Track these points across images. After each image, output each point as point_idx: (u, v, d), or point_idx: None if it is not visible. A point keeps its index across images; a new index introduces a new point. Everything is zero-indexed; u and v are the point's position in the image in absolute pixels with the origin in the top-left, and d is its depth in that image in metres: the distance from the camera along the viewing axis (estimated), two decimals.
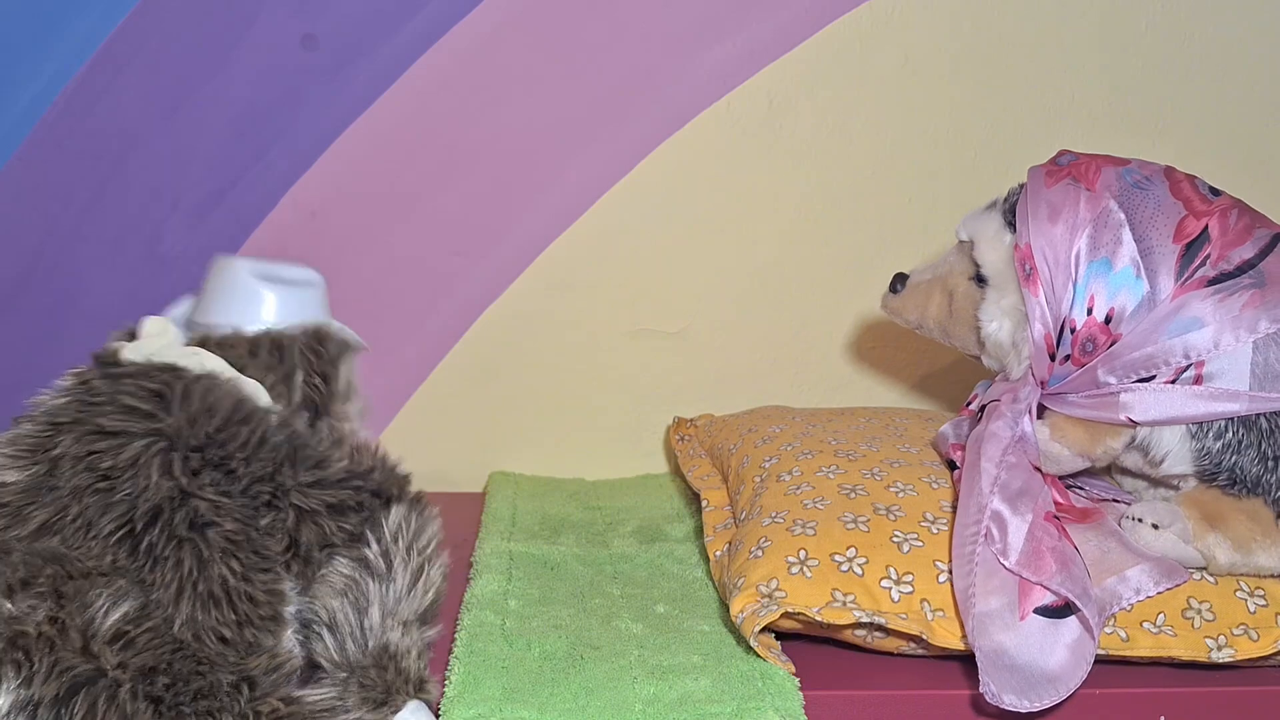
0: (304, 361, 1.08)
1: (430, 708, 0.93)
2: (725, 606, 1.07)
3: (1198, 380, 1.04)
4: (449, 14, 1.46)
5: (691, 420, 1.50)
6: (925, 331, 1.19)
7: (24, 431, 0.99)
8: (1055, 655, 0.98)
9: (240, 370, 1.04)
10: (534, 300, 1.53)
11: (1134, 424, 1.06)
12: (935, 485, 1.11)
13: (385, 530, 0.98)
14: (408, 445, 1.54)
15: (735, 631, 1.05)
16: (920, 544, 1.04)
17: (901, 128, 1.52)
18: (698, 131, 1.50)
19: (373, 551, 0.97)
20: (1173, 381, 1.04)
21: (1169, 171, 1.11)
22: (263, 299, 1.10)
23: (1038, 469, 1.08)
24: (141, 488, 0.94)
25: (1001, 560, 1.01)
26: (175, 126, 1.46)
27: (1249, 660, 1.02)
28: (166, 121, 1.46)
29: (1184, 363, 1.04)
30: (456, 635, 1.04)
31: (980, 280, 1.12)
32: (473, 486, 1.55)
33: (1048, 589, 0.99)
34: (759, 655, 1.00)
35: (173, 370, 1.02)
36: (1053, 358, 1.08)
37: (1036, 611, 0.99)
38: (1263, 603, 1.03)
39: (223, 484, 0.96)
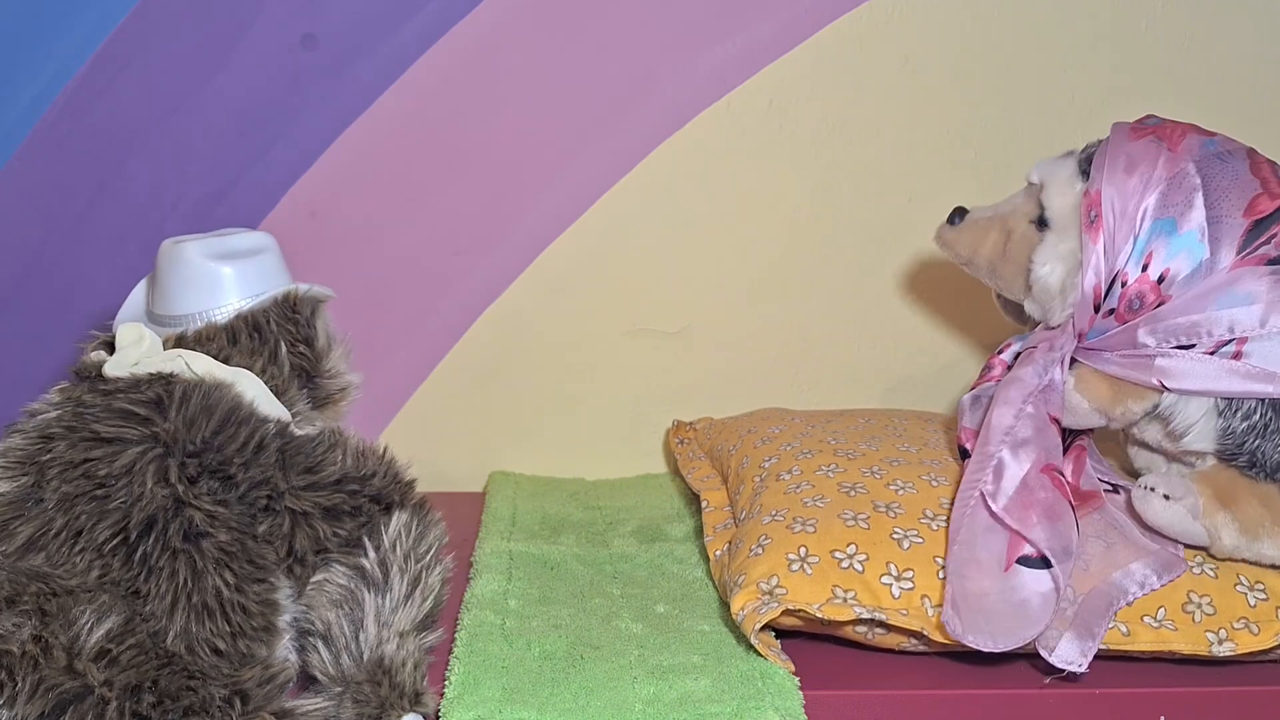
0: (284, 333, 1.08)
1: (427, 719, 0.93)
2: (725, 606, 1.07)
3: (1236, 356, 1.03)
4: (449, 14, 1.46)
5: (690, 423, 1.50)
6: (973, 269, 1.17)
7: (13, 444, 0.99)
8: (1026, 600, 0.98)
9: (225, 361, 1.04)
10: (534, 300, 1.53)
11: (1164, 389, 1.05)
12: (935, 483, 1.11)
13: (384, 538, 0.98)
14: (408, 445, 1.54)
15: (735, 631, 1.05)
16: (920, 540, 1.04)
17: (901, 128, 1.52)
18: (698, 131, 1.50)
19: (370, 560, 0.97)
20: (1211, 353, 1.03)
21: (1251, 152, 1.10)
22: (222, 278, 1.08)
23: (1056, 422, 1.07)
24: (136, 495, 0.93)
25: (990, 504, 1.01)
26: (175, 126, 1.46)
27: (1250, 654, 1.02)
28: (166, 121, 1.46)
29: (1227, 336, 1.03)
30: (456, 635, 1.04)
31: (1042, 224, 1.11)
32: (473, 486, 1.55)
33: (1026, 540, 0.99)
34: (759, 654, 1.00)
35: (164, 379, 1.01)
36: (1097, 309, 1.07)
37: (1019, 561, 1.00)
38: (1263, 596, 1.03)
39: (220, 492, 0.96)
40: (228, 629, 0.91)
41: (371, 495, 1.00)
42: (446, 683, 0.96)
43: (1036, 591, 0.98)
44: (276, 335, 1.08)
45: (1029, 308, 1.14)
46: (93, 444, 0.96)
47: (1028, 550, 1.00)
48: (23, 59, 1.43)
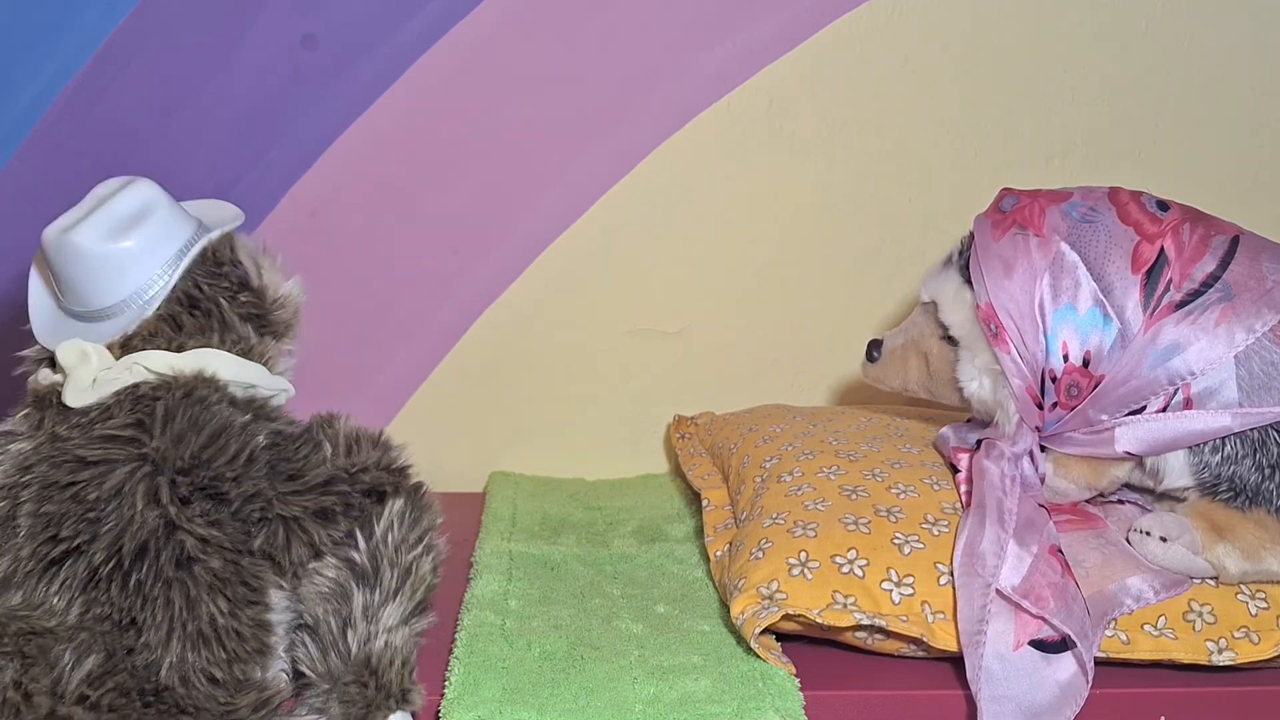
0: (219, 291, 1.02)
1: (415, 717, 0.92)
2: (726, 607, 1.07)
3: (1188, 404, 1.04)
4: (449, 14, 1.46)
5: (692, 419, 1.50)
6: (911, 394, 1.18)
7: None
8: (1045, 691, 0.97)
9: (180, 349, 0.99)
10: (534, 300, 1.53)
11: (1132, 456, 1.06)
12: (936, 487, 1.11)
13: (376, 529, 0.96)
14: (408, 445, 1.55)
15: (736, 632, 1.05)
16: (921, 546, 1.04)
17: (901, 128, 1.52)
18: (698, 131, 1.50)
19: (360, 552, 0.95)
20: (1164, 409, 1.04)
21: (1113, 195, 1.09)
22: (129, 257, 0.98)
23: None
24: (128, 519, 0.90)
25: (1000, 589, 1.00)
26: (175, 126, 1.46)
27: (1250, 663, 1.02)
28: (166, 121, 1.46)
29: (1170, 389, 1.03)
30: (457, 635, 1.04)
31: (950, 340, 1.11)
32: (473, 486, 1.55)
33: (1047, 622, 0.98)
34: (760, 657, 1.00)
35: (135, 397, 0.96)
36: (1040, 406, 1.07)
37: (1031, 644, 0.98)
38: (1264, 605, 1.03)
39: (213, 512, 0.93)
40: (224, 655, 0.90)
41: (363, 489, 0.97)
42: (446, 683, 0.96)
43: (1054, 681, 0.98)
44: (213, 297, 1.01)
45: (974, 412, 1.15)
46: (78, 467, 0.93)
47: (1044, 634, 0.99)
48: (23, 59, 1.43)
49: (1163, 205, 1.09)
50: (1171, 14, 1.51)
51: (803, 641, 1.07)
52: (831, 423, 1.29)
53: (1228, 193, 1.56)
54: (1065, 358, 1.05)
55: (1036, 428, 1.09)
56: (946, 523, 1.06)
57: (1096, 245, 1.05)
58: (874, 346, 1.19)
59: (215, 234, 1.03)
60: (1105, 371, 1.04)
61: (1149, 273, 1.04)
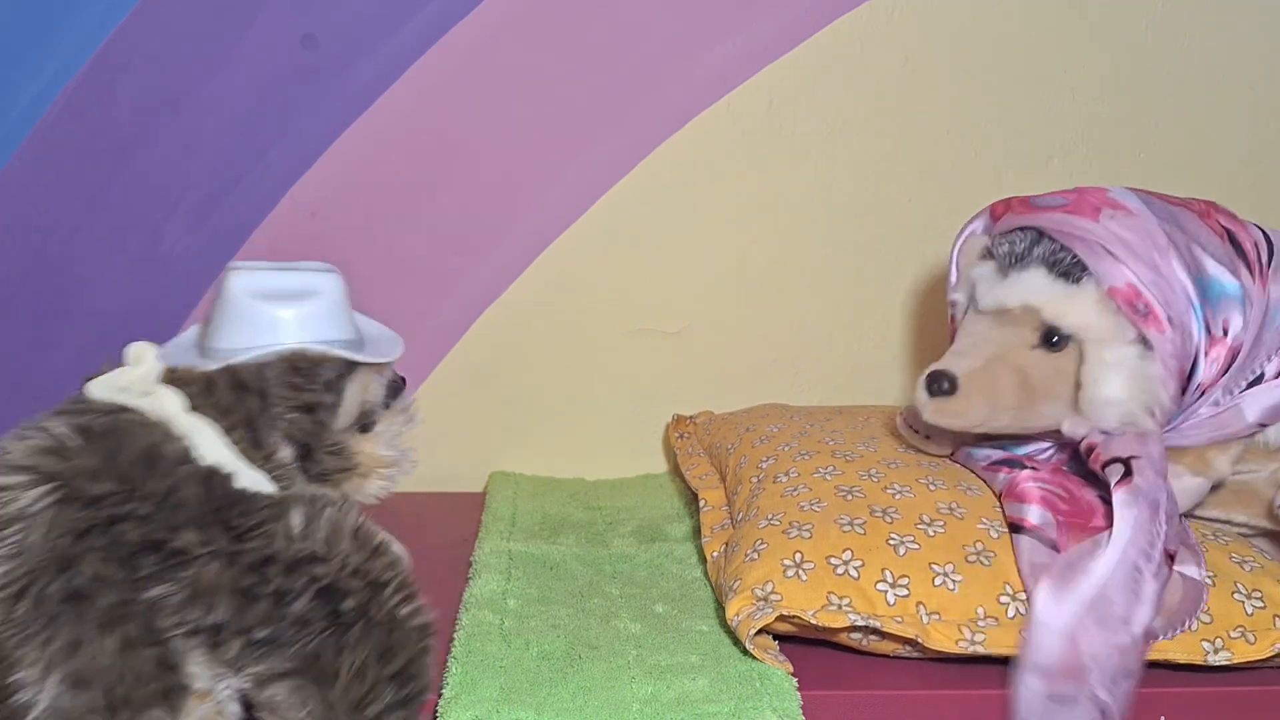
0: (278, 396, 0.94)
1: None
2: (723, 607, 1.07)
3: None
4: (449, 14, 1.46)
5: (691, 418, 1.50)
6: (993, 426, 1.05)
7: None
8: None
9: (197, 410, 0.91)
10: (534, 300, 1.53)
11: (1263, 428, 1.02)
12: (932, 487, 1.11)
13: (343, 661, 0.85)
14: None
15: (733, 632, 1.04)
16: (916, 547, 1.04)
17: (901, 128, 1.52)
18: (698, 131, 1.51)
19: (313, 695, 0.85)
20: (1278, 375, 1.02)
21: (1132, 190, 1.07)
22: (260, 318, 0.95)
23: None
24: (22, 548, 0.82)
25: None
26: (175, 126, 1.46)
27: (1246, 663, 1.02)
28: (166, 121, 1.46)
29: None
30: (455, 634, 1.04)
31: (1053, 344, 1.01)
32: (473, 486, 1.55)
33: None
34: (756, 657, 1.00)
35: (115, 410, 0.90)
36: (1182, 392, 1.00)
37: None
38: (1260, 605, 1.03)
39: (109, 550, 0.84)
40: (104, 702, 0.81)
41: (321, 585, 0.85)
42: (444, 682, 0.96)
43: None
44: (262, 397, 0.93)
45: (1071, 427, 1.03)
46: (3, 471, 0.85)
47: None
48: (23, 59, 1.43)
49: (1162, 195, 1.08)
50: (1171, 14, 1.51)
51: (800, 641, 1.07)
52: (829, 422, 1.28)
53: (1228, 193, 1.54)
54: (1209, 331, 0.99)
55: (1162, 424, 1.01)
56: (942, 523, 1.06)
57: (1179, 220, 1.01)
58: (941, 378, 1.03)
59: (336, 351, 0.96)
60: (1241, 340, 0.99)
61: (1231, 241, 1.01)
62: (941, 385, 1.03)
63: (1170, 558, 0.97)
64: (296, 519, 0.88)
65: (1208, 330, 0.99)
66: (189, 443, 0.89)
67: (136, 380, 0.93)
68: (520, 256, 1.53)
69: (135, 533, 0.84)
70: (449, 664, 0.99)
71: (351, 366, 0.97)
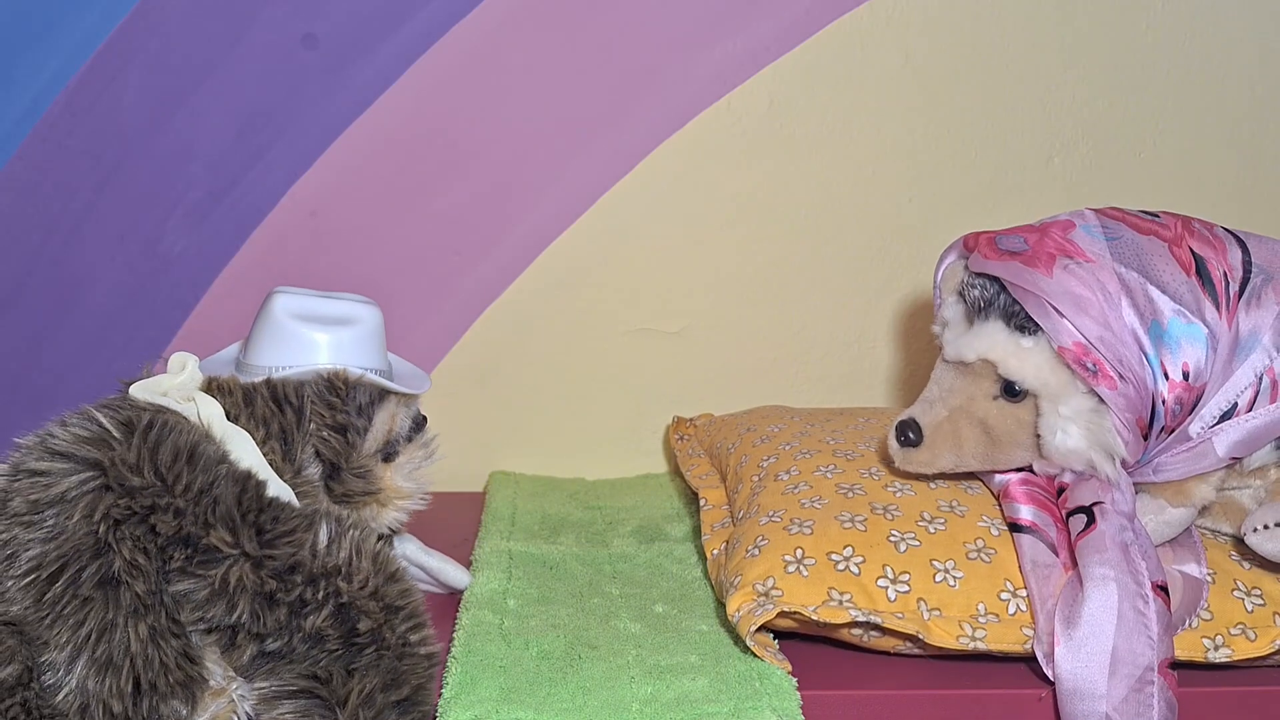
0: (313, 413, 0.99)
1: None
2: (723, 605, 1.07)
3: (1275, 387, 1.01)
4: (449, 14, 1.46)
5: (691, 420, 1.50)
6: (963, 468, 1.08)
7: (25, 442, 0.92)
8: None
9: (235, 420, 0.96)
10: (534, 300, 1.53)
11: (1236, 463, 1.03)
12: (934, 485, 1.11)
13: (353, 686, 0.86)
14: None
15: (734, 631, 1.04)
16: (917, 543, 1.04)
17: (901, 128, 1.52)
18: (698, 131, 1.51)
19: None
20: (1251, 406, 1.02)
21: (1104, 214, 1.06)
22: (299, 339, 1.00)
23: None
24: (60, 529, 0.85)
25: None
26: (175, 126, 1.46)
27: (1247, 660, 1.02)
28: (166, 121, 1.46)
29: (1255, 382, 1.01)
30: (454, 634, 1.04)
31: (1012, 394, 1.03)
32: (473, 486, 1.55)
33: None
34: (756, 654, 1.00)
35: (156, 409, 0.93)
36: (1145, 437, 1.02)
37: None
38: (1260, 602, 1.03)
39: (144, 539, 0.86)
40: (130, 688, 0.83)
41: (336, 605, 0.87)
42: (444, 682, 0.96)
43: None
44: (298, 413, 0.98)
45: (1040, 468, 1.07)
46: (45, 456, 0.88)
47: None
48: (23, 58, 1.43)
49: (1148, 213, 1.07)
50: (1171, 14, 1.51)
51: (800, 640, 1.07)
52: (829, 423, 1.29)
53: (1228, 193, 1.56)
54: (1167, 376, 1.00)
55: (1127, 465, 1.03)
56: (943, 520, 1.06)
57: (1142, 258, 1.01)
58: (907, 428, 1.06)
59: (372, 377, 1.01)
60: (1205, 380, 1.01)
61: (1198, 273, 1.02)
62: (904, 435, 1.07)
63: (1163, 589, 0.99)
64: (324, 533, 0.90)
65: (1166, 375, 1.00)
66: (227, 447, 0.93)
67: (177, 387, 0.96)
68: (520, 256, 1.53)
69: (170, 526, 0.86)
70: (449, 664, 0.99)
71: (383, 394, 1.03)
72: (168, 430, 0.90)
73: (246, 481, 0.90)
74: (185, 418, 0.94)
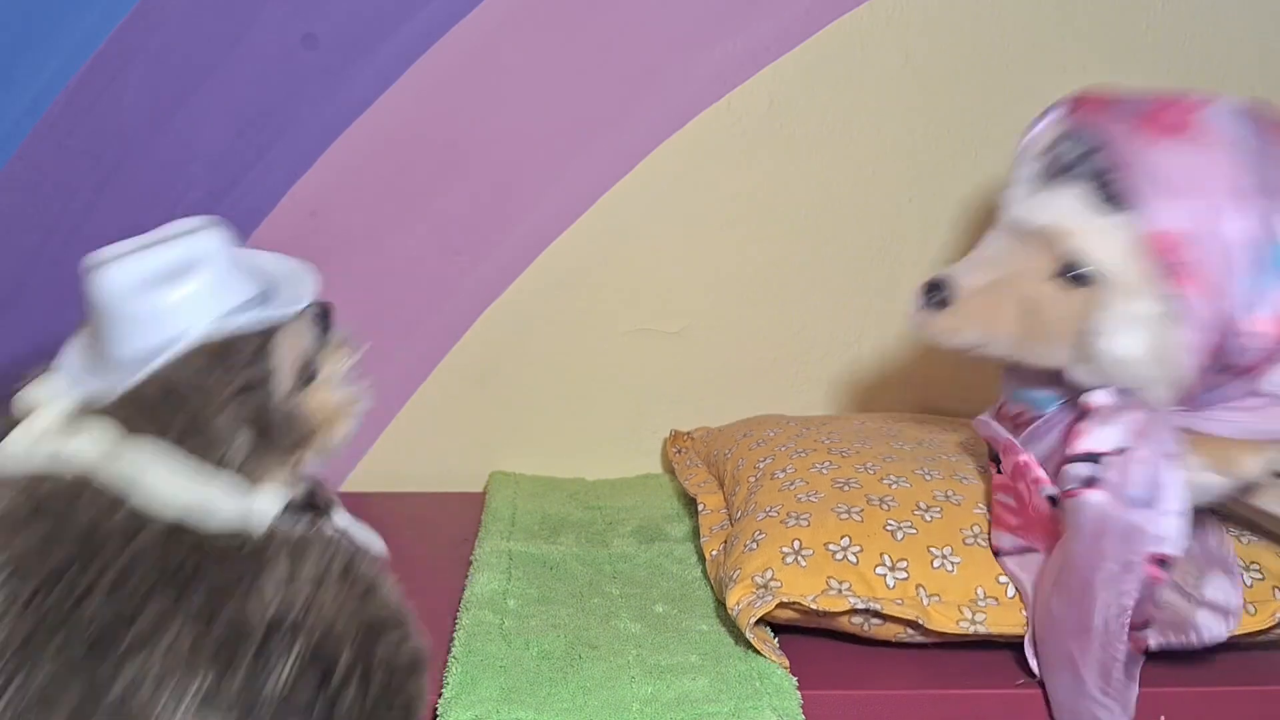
0: (215, 389, 0.84)
1: None
2: (723, 606, 1.07)
3: None
4: (449, 14, 1.46)
5: (688, 433, 1.50)
6: (986, 352, 0.93)
7: None
8: None
9: (134, 433, 0.82)
10: (534, 300, 1.53)
11: None
12: (929, 477, 1.11)
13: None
14: (408, 445, 1.55)
15: (734, 631, 1.05)
16: (914, 531, 1.04)
17: (901, 128, 1.52)
18: (698, 131, 1.50)
19: None
20: None
21: (1257, 110, 0.90)
22: (149, 311, 0.83)
23: None
24: None
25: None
26: (175, 126, 1.46)
27: (1247, 635, 1.01)
28: (166, 121, 1.46)
29: None
30: (455, 634, 1.04)
31: (1076, 279, 0.87)
32: (473, 486, 1.55)
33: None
34: (757, 652, 1.00)
35: (33, 478, 0.80)
36: (1211, 369, 0.86)
37: None
38: (1259, 576, 1.02)
39: (69, 638, 0.74)
40: None
41: (310, 650, 0.78)
42: (444, 682, 0.96)
43: None
44: (199, 387, 0.83)
45: (1080, 375, 0.90)
46: None
47: None
48: (23, 58, 1.43)
49: None
50: (1171, 14, 1.51)
51: (801, 640, 1.07)
52: (825, 426, 1.29)
53: None
54: (1254, 310, 0.83)
55: (1182, 400, 0.88)
56: (939, 509, 1.06)
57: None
58: (938, 287, 0.91)
59: (249, 318, 0.85)
60: None
61: None
62: (932, 294, 0.92)
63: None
64: (280, 570, 0.80)
65: (1254, 309, 0.84)
66: (137, 496, 0.80)
67: (54, 425, 0.82)
68: (520, 256, 1.53)
69: (89, 610, 0.75)
70: (449, 664, 0.99)
71: (276, 328, 0.88)
72: (66, 510, 0.78)
73: (171, 539, 0.79)
74: (77, 474, 0.80)
